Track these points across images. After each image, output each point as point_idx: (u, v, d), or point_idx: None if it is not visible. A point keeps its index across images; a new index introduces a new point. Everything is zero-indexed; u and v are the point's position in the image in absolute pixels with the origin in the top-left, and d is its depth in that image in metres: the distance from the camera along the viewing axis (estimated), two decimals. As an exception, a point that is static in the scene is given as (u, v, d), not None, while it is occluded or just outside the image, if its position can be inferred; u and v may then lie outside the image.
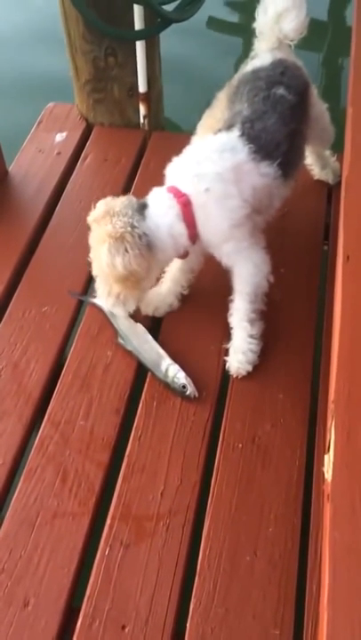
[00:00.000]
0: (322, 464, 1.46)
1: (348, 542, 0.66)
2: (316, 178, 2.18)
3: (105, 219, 1.46)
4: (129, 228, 1.42)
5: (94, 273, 1.56)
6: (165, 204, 1.47)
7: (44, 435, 1.54)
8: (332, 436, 0.74)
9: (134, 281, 1.49)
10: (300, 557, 1.34)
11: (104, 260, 1.43)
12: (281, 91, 1.58)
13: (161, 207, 1.47)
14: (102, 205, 1.50)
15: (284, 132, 1.55)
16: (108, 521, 1.39)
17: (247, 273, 1.58)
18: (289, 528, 1.38)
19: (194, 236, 1.51)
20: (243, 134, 1.50)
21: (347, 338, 0.83)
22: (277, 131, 1.54)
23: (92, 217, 1.51)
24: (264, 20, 1.69)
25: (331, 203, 2.16)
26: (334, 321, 0.90)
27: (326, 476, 0.73)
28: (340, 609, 0.62)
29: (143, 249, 1.44)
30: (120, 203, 1.48)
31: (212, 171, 1.45)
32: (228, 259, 1.58)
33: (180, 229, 1.48)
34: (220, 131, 1.57)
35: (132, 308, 1.64)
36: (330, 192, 2.19)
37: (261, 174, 1.51)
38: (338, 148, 2.12)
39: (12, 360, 1.69)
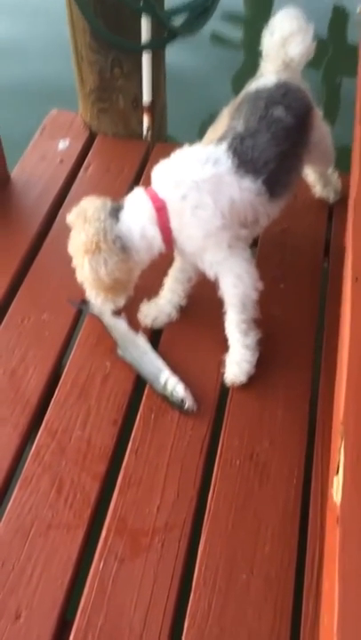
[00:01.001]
0: (320, 482, 1.46)
1: (357, 566, 0.65)
2: (317, 196, 2.20)
3: (78, 222, 1.49)
4: (102, 235, 1.45)
5: (79, 280, 1.58)
6: (140, 206, 1.49)
7: (40, 443, 1.52)
8: (341, 458, 0.74)
9: (119, 286, 1.55)
10: (296, 576, 1.33)
11: (88, 273, 1.49)
12: (279, 112, 1.58)
13: (135, 210, 1.50)
14: (74, 211, 1.54)
15: (274, 152, 1.54)
16: (104, 534, 1.38)
17: (230, 284, 1.58)
18: (286, 546, 1.37)
19: (169, 240, 1.51)
20: (230, 148, 1.51)
21: (356, 358, 0.83)
22: (267, 149, 1.53)
23: (69, 219, 1.55)
24: (270, 43, 1.70)
25: (332, 220, 2.17)
26: (341, 341, 0.90)
27: (335, 498, 0.73)
28: (349, 635, 0.61)
29: (120, 254, 1.47)
30: (93, 206, 1.51)
31: (190, 179, 1.46)
32: (211, 269, 1.57)
33: (153, 232, 1.49)
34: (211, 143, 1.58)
35: (122, 303, 1.67)
36: (331, 209, 2.20)
37: (242, 188, 1.51)
38: (340, 166, 2.15)
39: (10, 367, 1.67)
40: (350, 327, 0.88)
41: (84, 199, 1.55)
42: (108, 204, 1.52)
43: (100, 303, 1.64)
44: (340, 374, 0.85)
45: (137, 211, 1.49)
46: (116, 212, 1.50)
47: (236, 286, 1.57)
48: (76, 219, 1.51)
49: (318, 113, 1.80)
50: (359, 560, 0.66)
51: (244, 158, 1.50)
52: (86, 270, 1.48)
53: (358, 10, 2.62)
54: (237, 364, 1.63)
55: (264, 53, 1.74)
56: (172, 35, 2.08)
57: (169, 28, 2.00)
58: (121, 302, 1.66)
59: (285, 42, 1.67)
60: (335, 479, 0.74)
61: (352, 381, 0.80)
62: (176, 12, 2.05)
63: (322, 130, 1.85)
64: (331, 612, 0.67)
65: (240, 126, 1.57)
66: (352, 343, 0.85)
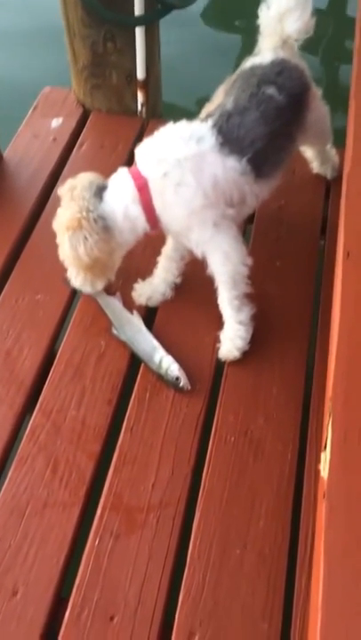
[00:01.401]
0: (314, 459, 1.47)
1: (343, 542, 0.66)
2: (315, 172, 2.17)
3: (65, 198, 1.50)
4: (84, 213, 1.45)
5: (60, 257, 1.58)
6: (123, 185, 1.48)
7: (35, 424, 1.53)
8: (329, 434, 0.74)
9: (100, 266, 1.55)
10: (289, 551, 1.34)
11: (67, 251, 1.49)
12: (271, 90, 1.54)
13: (118, 189, 1.49)
14: (67, 184, 1.54)
15: (262, 131, 1.51)
16: (99, 511, 1.39)
17: (217, 262, 1.56)
18: (279, 522, 1.38)
19: (153, 219, 1.50)
20: (215, 125, 1.48)
21: (346, 335, 0.82)
22: (255, 128, 1.50)
23: (60, 191, 1.55)
24: (267, 18, 1.65)
25: (329, 197, 2.15)
26: (333, 317, 0.89)
27: (322, 473, 0.73)
28: (334, 610, 0.61)
29: (101, 233, 1.47)
30: (80, 184, 1.51)
31: (172, 157, 1.43)
32: (198, 248, 1.56)
33: (136, 212, 1.48)
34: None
35: (100, 287, 1.68)
36: (328, 186, 2.17)
37: (226, 167, 1.47)
38: (339, 142, 2.11)
39: (5, 347, 1.67)
40: (340, 303, 0.87)
41: (80, 174, 1.55)
42: (95, 182, 1.51)
43: (79, 283, 1.65)
44: (330, 351, 0.84)
45: (120, 190, 1.48)
46: (100, 192, 1.50)
47: (224, 264, 1.56)
48: (65, 193, 1.52)
49: (316, 93, 1.75)
50: (344, 535, 0.67)
51: (229, 136, 1.47)
52: (66, 247, 1.49)
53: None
54: (231, 339, 1.63)
55: (261, 29, 1.69)
56: (166, 8, 2.03)
57: (162, 1, 1.95)
58: (99, 286, 1.67)
59: (282, 17, 1.62)
60: (322, 455, 0.74)
61: (341, 358, 0.80)
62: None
63: (320, 110, 1.81)
64: (317, 586, 0.67)
65: (229, 104, 1.54)
66: (342, 320, 0.84)
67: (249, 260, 1.57)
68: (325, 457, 0.73)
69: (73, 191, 1.50)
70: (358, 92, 1.27)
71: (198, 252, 1.56)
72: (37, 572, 1.30)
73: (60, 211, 1.53)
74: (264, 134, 1.51)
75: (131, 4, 2.04)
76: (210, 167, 1.45)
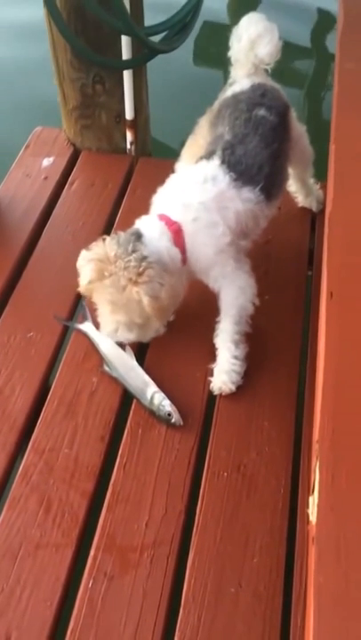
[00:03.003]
0: (306, 493, 1.47)
1: (333, 587, 0.66)
2: (300, 205, 2.22)
3: (108, 270, 1.44)
4: (144, 263, 1.42)
5: (111, 326, 1.55)
6: (159, 230, 1.50)
7: (28, 463, 1.52)
8: (316, 477, 0.75)
9: (172, 306, 1.53)
10: (284, 589, 1.34)
11: (145, 301, 1.42)
12: (262, 112, 1.64)
13: (156, 234, 1.50)
14: (91, 264, 1.48)
15: (266, 154, 1.59)
16: (92, 552, 1.38)
17: (232, 296, 1.62)
18: (274, 559, 1.37)
19: (185, 260, 1.55)
20: (223, 162, 1.54)
21: (331, 376, 0.84)
22: (259, 154, 1.58)
23: (88, 281, 1.49)
24: (238, 48, 1.75)
25: (315, 229, 2.19)
26: (318, 358, 0.91)
27: (311, 518, 0.73)
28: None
29: (166, 274, 1.46)
30: (112, 246, 1.46)
31: (196, 201, 1.50)
32: (215, 282, 1.62)
33: (176, 253, 1.51)
34: (201, 158, 1.60)
35: (161, 331, 1.66)
36: (313, 219, 2.22)
37: (243, 200, 1.55)
38: (321, 176, 2.17)
39: (-3, 386, 1.68)
40: (325, 344, 0.89)
41: (85, 249, 1.53)
42: (124, 236, 1.49)
43: (136, 335, 1.61)
44: (316, 393, 0.86)
45: (158, 235, 1.50)
46: (138, 240, 1.48)
47: (238, 298, 1.62)
48: (100, 270, 1.46)
49: (293, 111, 1.85)
50: (334, 581, 0.67)
51: (239, 169, 1.54)
52: (144, 300, 1.42)
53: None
54: (227, 373, 1.65)
55: (233, 59, 1.80)
56: (153, 52, 2.10)
57: (148, 45, 2.02)
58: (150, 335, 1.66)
59: (254, 44, 1.72)
60: (310, 499, 0.75)
61: (327, 400, 0.81)
62: (155, 30, 2.07)
63: (298, 128, 1.91)
64: (308, 632, 0.68)
65: (227, 134, 1.60)
66: (327, 361, 0.86)
67: (256, 300, 1.64)
68: (313, 500, 0.74)
69: (104, 256, 1.45)
70: (338, 136, 1.32)
71: (216, 287, 1.62)
72: (31, 616, 1.28)
73: (98, 286, 1.48)
74: (267, 157, 1.59)
75: (119, 48, 2.11)
76: (231, 204, 1.52)
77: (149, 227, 1.52)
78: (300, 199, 2.21)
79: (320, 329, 0.94)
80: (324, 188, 2.19)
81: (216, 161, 1.55)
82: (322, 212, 2.21)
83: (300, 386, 1.73)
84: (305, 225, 2.19)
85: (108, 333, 1.61)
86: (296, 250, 2.12)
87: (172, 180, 1.59)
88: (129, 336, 1.60)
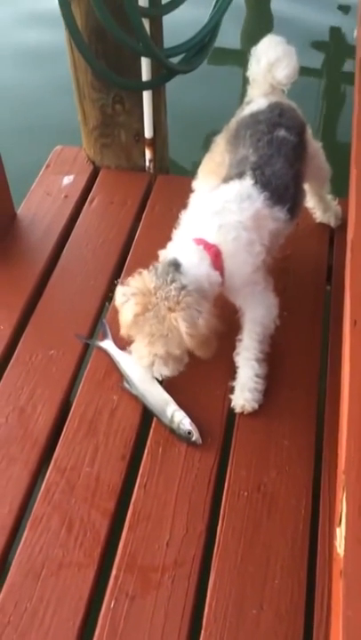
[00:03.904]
0: (327, 513, 1.47)
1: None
2: (318, 221, 2.22)
3: (150, 303, 1.41)
4: (183, 292, 1.39)
5: (148, 359, 1.50)
6: (197, 255, 1.47)
7: (49, 481, 1.54)
8: (343, 508, 0.75)
9: (213, 335, 1.45)
10: (306, 610, 1.33)
11: (184, 331, 1.39)
12: (283, 132, 1.66)
13: (195, 260, 1.47)
14: (133, 299, 1.44)
15: (291, 175, 1.62)
16: (114, 572, 1.39)
17: (259, 315, 1.64)
18: (295, 580, 1.37)
19: (224, 282, 1.54)
20: (256, 182, 1.56)
21: (357, 404, 0.84)
22: (285, 174, 1.61)
23: (133, 315, 1.44)
24: (257, 70, 1.78)
25: (333, 245, 2.19)
26: (342, 386, 0.91)
27: (338, 550, 0.73)
28: None
29: (205, 302, 1.43)
30: (150, 278, 1.43)
31: (234, 220, 1.49)
32: (245, 301, 1.63)
33: (216, 276, 1.49)
34: (231, 179, 1.61)
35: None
36: (332, 234, 2.23)
37: (274, 219, 1.58)
38: (339, 192, 2.18)
39: (19, 404, 1.70)
40: (350, 373, 0.89)
41: (120, 285, 1.51)
42: (161, 266, 1.46)
43: (175, 371, 1.55)
44: (341, 421, 0.86)
45: (197, 261, 1.47)
46: (176, 269, 1.45)
47: (264, 317, 1.64)
48: (143, 304, 1.42)
49: (309, 128, 1.87)
50: (361, 613, 0.67)
51: (270, 188, 1.56)
52: (183, 329, 1.38)
53: (355, 34, 2.66)
54: (250, 390, 1.66)
55: (251, 79, 1.83)
56: (172, 72, 2.13)
57: (168, 66, 2.05)
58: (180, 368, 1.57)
59: (272, 67, 1.74)
60: (338, 530, 0.75)
61: (352, 430, 0.81)
62: (175, 51, 2.10)
63: (314, 145, 1.92)
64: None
65: (252, 155, 1.62)
66: (352, 390, 0.86)
67: (278, 321, 1.65)
68: (341, 533, 0.73)
69: (143, 287, 1.42)
70: (359, 160, 1.32)
71: (244, 305, 1.62)
72: (54, 636, 1.29)
73: (140, 320, 1.44)
74: (292, 177, 1.62)
75: (138, 68, 2.14)
76: (265, 222, 1.54)
77: (187, 253, 1.48)
78: (318, 215, 2.21)
79: (344, 357, 0.95)
80: (342, 204, 2.20)
81: (249, 181, 1.56)
82: (340, 227, 2.21)
83: (319, 402, 1.73)
84: (323, 241, 2.19)
85: (143, 367, 1.55)
86: (315, 266, 2.12)
87: (200, 202, 1.59)
88: (164, 370, 1.54)
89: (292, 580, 1.37)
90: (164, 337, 1.42)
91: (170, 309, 1.39)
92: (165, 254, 1.51)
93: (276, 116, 1.70)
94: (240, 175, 1.59)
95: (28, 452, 1.60)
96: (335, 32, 4.12)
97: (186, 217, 1.62)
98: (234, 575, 1.38)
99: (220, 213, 1.51)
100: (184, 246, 1.51)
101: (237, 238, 1.49)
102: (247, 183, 1.56)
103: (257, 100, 1.79)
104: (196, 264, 1.46)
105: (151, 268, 1.48)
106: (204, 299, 1.44)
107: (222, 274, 1.50)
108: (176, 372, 1.55)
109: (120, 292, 1.48)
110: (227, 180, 1.62)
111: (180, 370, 1.55)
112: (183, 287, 1.40)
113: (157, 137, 2.38)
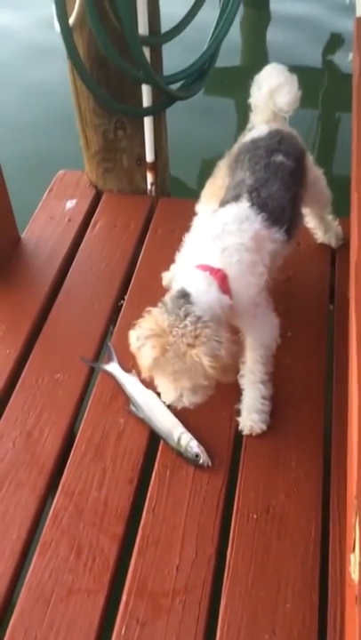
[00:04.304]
0: (338, 534, 1.46)
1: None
2: (319, 241, 2.24)
3: (168, 343, 1.36)
4: (200, 324, 1.35)
5: (176, 393, 1.45)
6: (204, 282, 1.45)
7: (57, 506, 1.54)
8: (357, 534, 0.74)
9: (235, 361, 1.45)
10: (319, 634, 1.32)
11: (206, 362, 1.35)
12: (280, 158, 1.68)
13: (201, 286, 1.44)
14: (150, 342, 1.39)
15: (287, 198, 1.63)
16: (124, 597, 1.38)
17: (262, 336, 1.64)
18: (307, 603, 1.36)
19: (233, 305, 1.51)
20: (253, 204, 1.57)
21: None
22: (282, 197, 1.62)
23: (152, 359, 1.39)
24: (259, 96, 1.81)
25: (335, 265, 2.21)
26: (351, 411, 0.91)
27: (353, 576, 0.73)
28: None
29: (223, 330, 1.40)
30: (162, 316, 1.39)
31: (236, 242, 1.49)
32: (248, 323, 1.62)
33: (226, 300, 1.47)
34: (227, 202, 1.63)
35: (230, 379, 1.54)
36: (333, 254, 2.24)
37: (273, 240, 1.58)
38: (340, 212, 2.20)
39: (26, 429, 1.70)
40: (358, 398, 0.90)
41: (132, 330, 1.44)
42: (169, 301, 1.42)
43: (198, 398, 1.48)
44: (350, 446, 0.86)
45: (206, 288, 1.44)
46: (186, 301, 1.41)
47: (266, 338, 1.63)
48: (160, 345, 1.37)
49: (310, 155, 1.89)
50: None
51: (266, 210, 1.57)
52: (205, 362, 1.34)
53: (350, 57, 2.71)
54: (257, 412, 1.66)
55: (253, 106, 1.85)
56: (172, 99, 2.17)
57: (168, 93, 2.09)
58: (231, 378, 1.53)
59: (274, 93, 1.77)
60: (352, 557, 0.75)
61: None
62: (175, 78, 2.15)
63: (315, 171, 1.95)
64: None
65: (248, 178, 1.64)
66: (360, 413, 0.86)
67: (279, 340, 1.66)
68: (355, 559, 0.73)
69: (156, 327, 1.38)
70: (360, 184, 1.34)
71: (246, 328, 1.60)
72: (65, 665, 1.28)
73: (162, 361, 1.38)
74: (288, 200, 1.63)
75: (139, 95, 2.19)
76: (265, 243, 1.55)
77: (194, 281, 1.45)
78: (319, 235, 2.24)
79: (351, 381, 0.95)
80: (342, 223, 2.23)
81: (246, 203, 1.57)
82: (342, 247, 2.23)
83: (326, 422, 1.73)
84: (325, 260, 2.21)
85: (172, 401, 1.50)
86: (317, 285, 2.14)
87: (199, 228, 1.60)
88: (195, 399, 1.48)
89: (304, 603, 1.36)
90: (188, 372, 1.38)
91: (189, 345, 1.34)
92: (170, 280, 1.48)
93: (276, 142, 1.72)
94: (237, 198, 1.61)
95: (35, 476, 1.60)
96: (329, 60, 4.22)
97: (186, 245, 1.63)
98: (245, 599, 1.36)
99: (220, 237, 1.51)
100: (190, 275, 1.49)
101: (241, 261, 1.49)
102: (244, 205, 1.57)
103: (258, 126, 1.81)
104: (204, 291, 1.44)
105: (160, 304, 1.43)
106: (220, 326, 1.40)
107: (231, 297, 1.49)
108: (206, 396, 1.50)
109: (134, 336, 1.42)
110: (224, 203, 1.64)
111: (210, 394, 1.49)
112: (199, 319, 1.36)
113: (159, 161, 2.42)
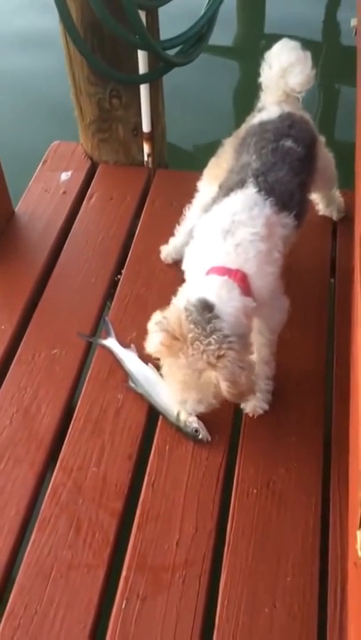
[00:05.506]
0: (338, 509, 1.45)
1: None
2: (320, 214, 2.20)
3: (183, 352, 1.30)
4: (225, 345, 1.27)
5: (180, 398, 1.41)
6: (224, 288, 1.36)
7: (56, 482, 1.52)
8: (362, 510, 0.73)
9: (251, 388, 1.38)
10: (319, 608, 1.32)
11: (223, 387, 1.29)
12: (289, 143, 1.58)
13: (223, 294, 1.35)
14: (162, 336, 1.32)
15: (295, 183, 1.54)
16: (124, 572, 1.38)
17: (273, 319, 1.58)
18: (307, 577, 1.36)
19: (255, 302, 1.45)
20: (260, 190, 1.47)
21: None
22: (290, 181, 1.53)
23: (154, 350, 1.35)
24: (269, 75, 1.70)
25: (336, 238, 2.17)
26: (354, 384, 0.89)
27: (360, 553, 0.72)
28: None
29: (246, 351, 1.34)
30: (188, 326, 1.30)
31: (248, 233, 1.40)
32: (262, 311, 1.51)
33: (250, 303, 1.39)
34: (230, 190, 1.51)
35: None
36: (335, 227, 2.20)
37: (283, 225, 1.50)
38: (341, 183, 2.15)
39: (23, 405, 1.68)
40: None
41: (153, 316, 1.38)
42: (193, 309, 1.32)
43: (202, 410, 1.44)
44: (353, 422, 0.84)
45: (226, 293, 1.36)
46: (209, 313, 1.31)
47: (279, 322, 1.58)
48: (171, 342, 1.31)
49: (322, 141, 1.81)
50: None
51: (274, 194, 1.48)
52: (224, 387, 1.29)
53: (352, 23, 2.62)
54: (260, 392, 1.64)
55: (264, 85, 1.75)
56: (169, 65, 2.10)
57: (165, 59, 2.02)
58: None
59: (285, 72, 1.68)
60: (358, 533, 0.73)
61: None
62: (172, 43, 2.07)
63: (326, 157, 1.87)
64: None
65: (255, 162, 1.54)
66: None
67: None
68: None
69: (177, 329, 1.30)
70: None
71: (263, 314, 1.53)
72: (65, 639, 1.28)
73: (169, 360, 1.34)
74: (297, 186, 1.55)
75: (135, 62, 2.11)
76: (276, 228, 1.47)
77: (213, 289, 1.36)
78: (321, 207, 2.19)
79: (354, 356, 0.92)
80: (344, 195, 2.18)
81: (252, 189, 1.48)
82: (344, 219, 2.19)
83: (326, 397, 1.71)
84: (326, 233, 2.17)
85: (176, 404, 1.50)
86: (318, 259, 2.10)
87: (203, 225, 1.49)
88: (198, 409, 1.44)
89: (304, 577, 1.36)
90: (198, 387, 1.33)
91: (210, 364, 1.28)
92: (168, 254, 1.42)
93: (286, 126, 1.63)
94: (241, 183, 1.50)
95: (33, 453, 1.58)
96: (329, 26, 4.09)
97: (193, 243, 1.52)
98: (245, 574, 1.36)
99: (231, 231, 1.40)
100: (207, 282, 1.38)
101: (258, 254, 1.39)
102: (250, 191, 1.48)
103: (269, 107, 1.71)
104: (227, 298, 1.34)
105: (188, 311, 1.32)
106: (245, 348, 1.33)
107: (253, 296, 1.40)
108: (210, 409, 1.43)
109: (156, 318, 1.36)
110: (227, 190, 1.53)
111: (214, 407, 1.43)
112: (225, 338, 1.28)
113: (155, 130, 2.35)
